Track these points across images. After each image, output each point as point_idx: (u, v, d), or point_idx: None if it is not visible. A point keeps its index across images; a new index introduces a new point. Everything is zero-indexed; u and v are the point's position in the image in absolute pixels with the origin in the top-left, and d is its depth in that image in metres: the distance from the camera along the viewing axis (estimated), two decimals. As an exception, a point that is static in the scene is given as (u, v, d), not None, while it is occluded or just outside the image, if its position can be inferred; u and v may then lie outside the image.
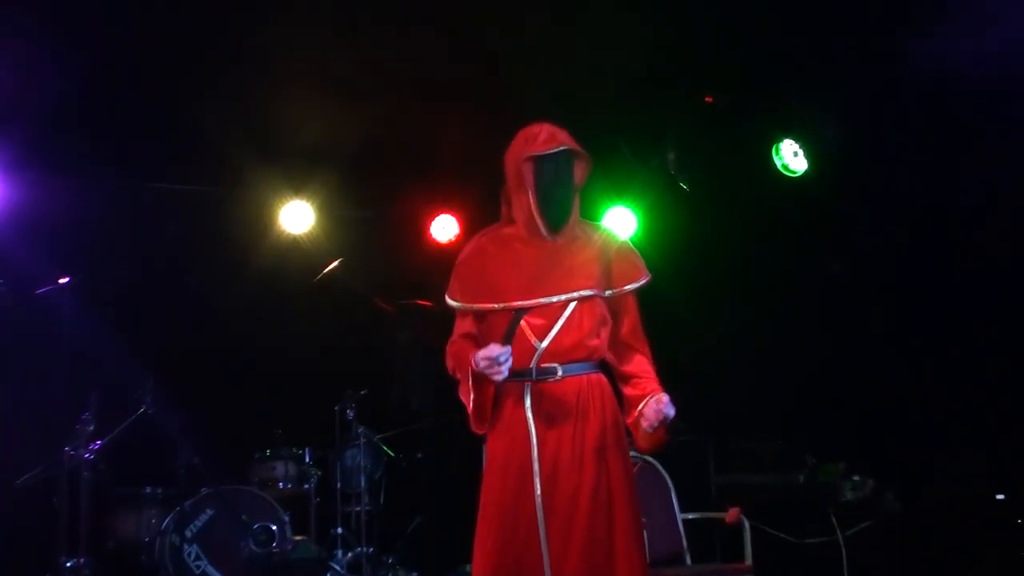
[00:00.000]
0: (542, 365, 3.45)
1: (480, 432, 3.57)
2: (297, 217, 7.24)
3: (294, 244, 7.28)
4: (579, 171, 3.61)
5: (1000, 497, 5.69)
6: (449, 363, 3.61)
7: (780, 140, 6.56)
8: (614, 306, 3.64)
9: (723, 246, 6.78)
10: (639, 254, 3.71)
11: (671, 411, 3.44)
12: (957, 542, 5.65)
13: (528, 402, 3.44)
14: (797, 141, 6.54)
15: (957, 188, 6.00)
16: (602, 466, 3.43)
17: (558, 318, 3.48)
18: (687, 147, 6.65)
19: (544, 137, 3.52)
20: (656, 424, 3.46)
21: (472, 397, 3.46)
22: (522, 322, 3.45)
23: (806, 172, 6.54)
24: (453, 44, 5.94)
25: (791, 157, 6.56)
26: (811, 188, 6.56)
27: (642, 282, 3.66)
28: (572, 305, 3.50)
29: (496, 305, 3.51)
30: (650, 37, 5.74)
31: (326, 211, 7.36)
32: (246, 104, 6.21)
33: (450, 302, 3.66)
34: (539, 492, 3.37)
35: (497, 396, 3.50)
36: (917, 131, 6.07)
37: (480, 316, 3.59)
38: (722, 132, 6.57)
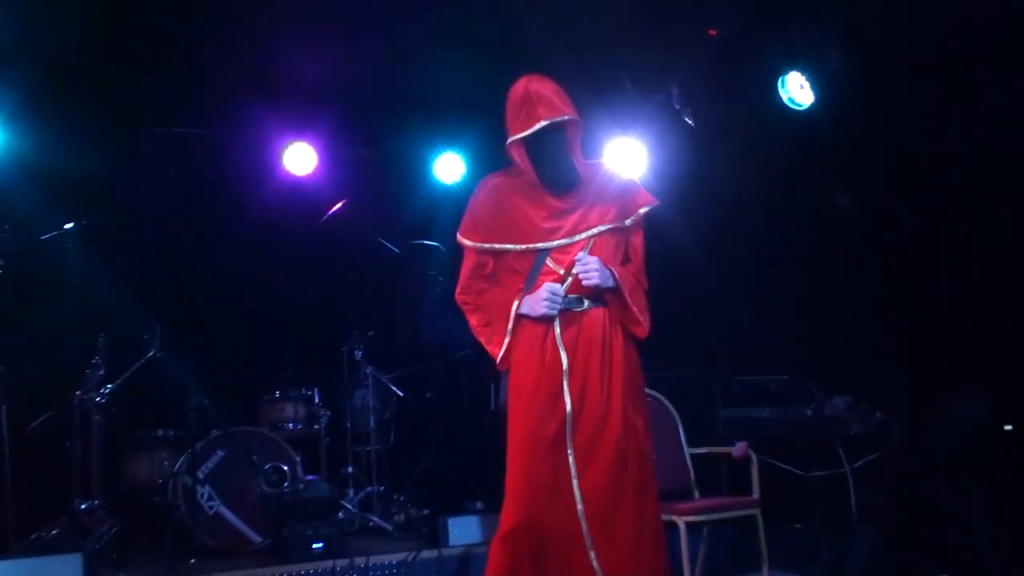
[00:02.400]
0: (569, 295, 3.66)
1: (499, 364, 3.76)
2: (300, 158, 7.21)
3: (297, 186, 7.25)
4: (571, 130, 3.71)
5: (1008, 428, 5.70)
6: (478, 314, 3.80)
7: (786, 73, 6.49)
8: (626, 241, 3.82)
9: (729, 180, 6.74)
10: (636, 181, 3.97)
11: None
12: (964, 474, 5.67)
13: (558, 331, 3.64)
14: (803, 74, 6.46)
15: (962, 122, 5.94)
16: (627, 396, 3.65)
17: (580, 253, 3.69)
18: (691, 81, 6.58)
19: (524, 115, 3.61)
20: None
21: (508, 338, 3.68)
22: (549, 261, 3.69)
23: (812, 105, 6.48)
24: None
25: (797, 90, 6.48)
26: (818, 121, 6.49)
27: (653, 205, 3.85)
28: (592, 242, 3.71)
29: (519, 246, 3.70)
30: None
31: (329, 152, 7.32)
32: (246, 45, 6.14)
33: (467, 242, 3.82)
34: (569, 413, 3.58)
35: (520, 329, 3.70)
36: (922, 63, 5.99)
37: (498, 256, 3.77)
38: (726, 66, 6.49)
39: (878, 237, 6.45)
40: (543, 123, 3.59)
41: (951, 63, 5.90)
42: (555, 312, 3.62)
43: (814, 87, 6.46)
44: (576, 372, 3.61)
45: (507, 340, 3.69)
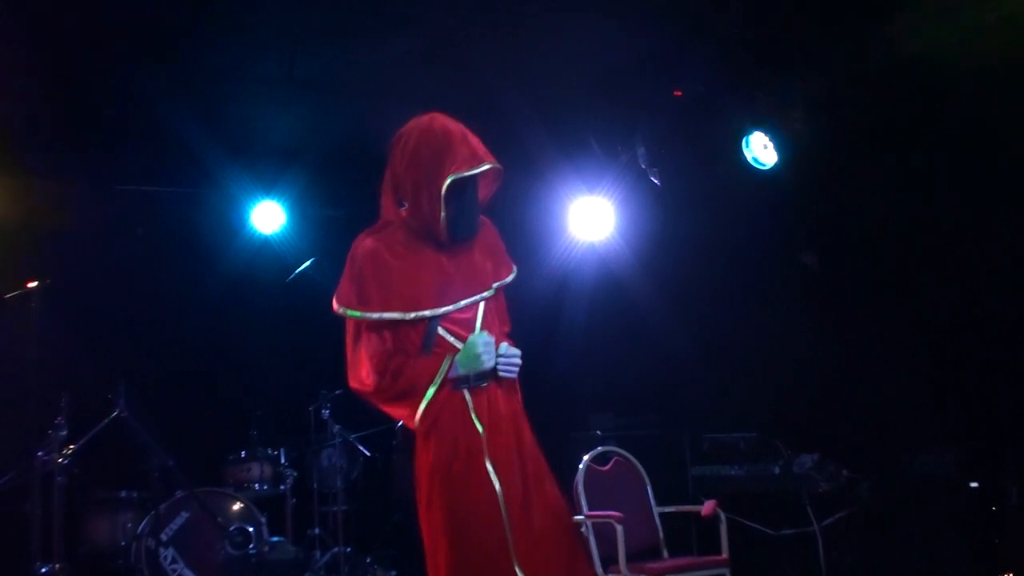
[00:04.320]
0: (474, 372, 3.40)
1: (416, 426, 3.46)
2: (268, 217, 7.21)
3: (265, 244, 7.24)
4: (484, 184, 3.49)
5: (974, 485, 5.74)
6: (396, 380, 3.38)
7: (750, 133, 6.58)
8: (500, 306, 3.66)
9: (694, 239, 6.80)
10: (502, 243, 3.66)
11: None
12: (932, 530, 5.69)
13: (472, 407, 3.39)
14: (767, 134, 6.56)
15: (925, 179, 6.05)
16: (539, 463, 3.49)
17: (475, 320, 3.47)
18: (657, 141, 6.66)
19: (466, 154, 3.33)
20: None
21: (427, 402, 3.36)
22: (441, 329, 3.41)
23: (776, 165, 6.57)
24: (422, 44, 5.92)
25: (761, 150, 6.57)
26: (782, 181, 6.58)
27: (512, 276, 3.62)
28: (482, 305, 3.49)
29: (408, 314, 3.36)
30: (617, 31, 5.75)
31: (297, 210, 7.33)
32: (216, 105, 6.17)
33: (353, 313, 3.41)
34: (499, 490, 3.34)
35: (434, 401, 3.40)
36: (885, 123, 6.11)
37: (390, 326, 3.41)
38: (692, 126, 6.59)
39: (843, 295, 6.51)
40: (487, 166, 3.34)
41: (911, 125, 6.01)
42: (494, 364, 3.37)
43: (778, 147, 6.56)
44: (495, 448, 3.39)
45: (424, 403, 3.35)
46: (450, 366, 3.37)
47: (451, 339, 3.42)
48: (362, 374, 3.43)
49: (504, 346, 3.45)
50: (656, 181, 6.69)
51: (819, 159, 6.43)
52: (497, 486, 3.35)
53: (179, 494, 6.01)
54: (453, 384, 3.38)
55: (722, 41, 5.97)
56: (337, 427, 6.81)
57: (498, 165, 3.39)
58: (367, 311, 3.38)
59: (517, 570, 3.30)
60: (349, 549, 6.62)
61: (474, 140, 3.39)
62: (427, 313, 3.38)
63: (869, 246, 6.45)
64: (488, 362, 3.37)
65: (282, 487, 6.75)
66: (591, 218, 6.88)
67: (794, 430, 6.27)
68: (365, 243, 3.47)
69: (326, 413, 6.80)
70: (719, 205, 6.79)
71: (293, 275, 6.55)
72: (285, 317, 7.27)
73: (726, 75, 6.26)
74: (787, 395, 6.50)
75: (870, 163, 6.29)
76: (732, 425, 6.48)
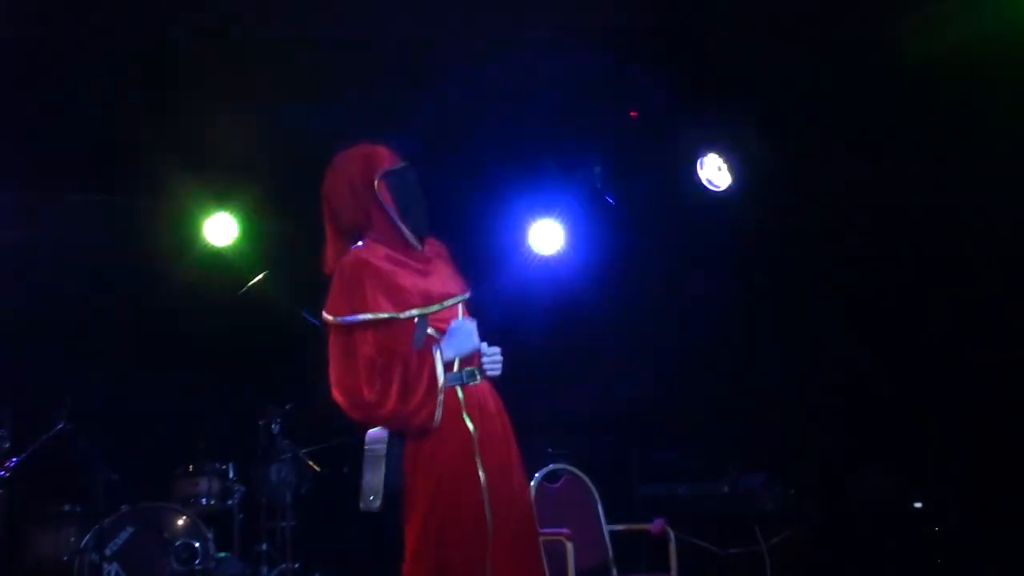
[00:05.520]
0: (465, 368, 3.52)
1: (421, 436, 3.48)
2: (221, 229, 7.16)
3: (218, 257, 7.19)
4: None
5: (917, 506, 5.82)
6: (388, 386, 3.40)
7: (704, 155, 6.66)
8: None
9: (648, 259, 6.85)
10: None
11: None
12: (876, 550, 5.76)
13: (464, 406, 3.48)
14: (721, 156, 6.64)
15: (877, 201, 6.15)
16: (520, 471, 3.59)
17: (484, 346, 3.58)
18: (613, 161, 6.72)
19: (384, 154, 3.55)
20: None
21: (433, 403, 3.40)
22: (431, 330, 3.50)
23: (730, 187, 6.65)
24: (376, 58, 5.93)
25: (715, 172, 6.65)
26: (735, 203, 6.66)
27: (468, 294, 3.71)
28: (460, 308, 3.62)
29: (403, 313, 3.46)
30: (575, 52, 5.79)
31: (251, 223, 7.29)
32: (169, 115, 6.12)
33: (354, 317, 3.44)
34: (486, 494, 3.42)
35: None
36: (838, 146, 6.20)
37: (381, 328, 3.47)
38: (647, 147, 6.65)
39: (794, 316, 6.59)
40: (406, 162, 3.56)
41: (864, 147, 6.11)
42: (479, 344, 3.52)
43: (731, 170, 6.64)
44: (486, 450, 3.47)
45: (440, 397, 3.39)
46: (439, 352, 3.45)
47: (437, 336, 3.52)
48: (354, 389, 3.45)
49: (485, 345, 3.56)
50: (611, 201, 6.74)
51: (772, 182, 6.52)
52: (484, 489, 3.42)
53: (124, 508, 5.92)
54: (447, 379, 3.45)
55: (677, 63, 6.03)
56: (287, 441, 6.75)
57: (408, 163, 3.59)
58: (364, 313, 3.44)
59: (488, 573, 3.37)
60: (297, 565, 6.56)
61: (378, 152, 3.58)
62: (415, 312, 3.48)
63: (819, 268, 6.54)
64: (477, 344, 3.51)
65: (230, 502, 6.68)
66: (546, 237, 6.90)
67: (743, 450, 6.33)
68: (351, 256, 3.55)
69: (276, 427, 6.74)
70: (673, 226, 6.86)
71: (245, 288, 6.50)
72: (236, 331, 7.21)
73: (681, 97, 6.33)
74: (737, 415, 6.56)
75: (823, 186, 6.38)
76: (682, 444, 6.53)
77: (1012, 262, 5.86)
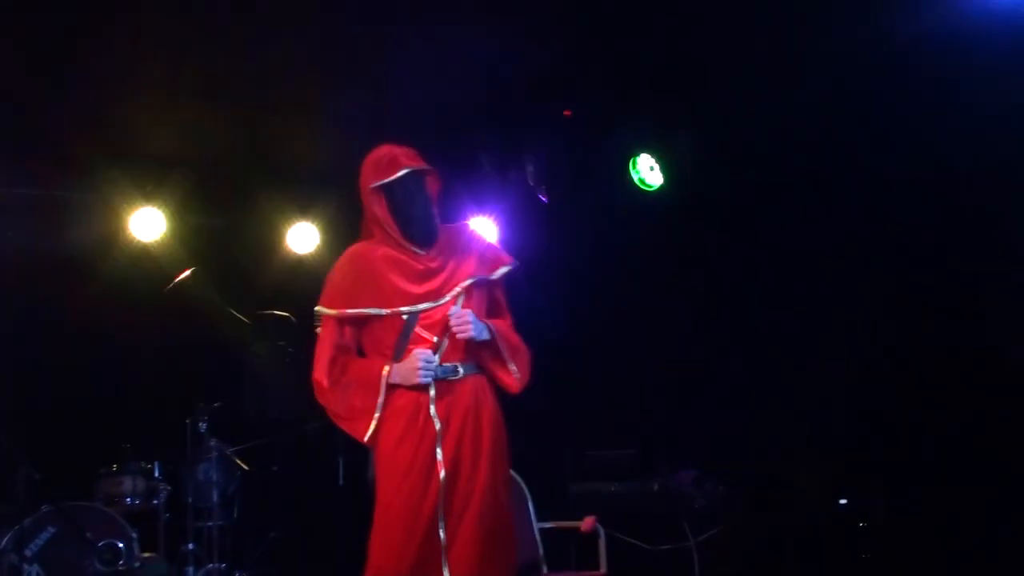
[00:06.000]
0: (444, 363, 3.58)
1: (367, 440, 3.61)
2: (148, 224, 7.04)
3: (144, 252, 7.07)
4: (431, 186, 3.72)
5: (843, 502, 5.91)
6: (338, 395, 3.59)
7: (637, 155, 6.70)
8: (492, 297, 3.80)
9: (581, 257, 6.88)
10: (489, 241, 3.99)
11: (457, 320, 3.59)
12: (803, 545, 5.84)
13: (433, 401, 3.55)
14: (653, 156, 6.69)
15: (807, 200, 6.24)
16: (495, 466, 3.61)
17: (444, 321, 3.61)
18: (546, 159, 6.73)
19: (386, 163, 3.62)
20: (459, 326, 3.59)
21: (379, 412, 3.55)
22: (416, 327, 3.59)
23: (662, 186, 6.70)
24: (311, 54, 5.88)
25: (647, 171, 6.70)
26: (667, 202, 6.71)
27: (512, 265, 3.83)
28: (460, 299, 3.66)
29: (383, 310, 3.60)
30: (508, 50, 5.79)
31: (178, 218, 7.18)
32: (94, 107, 6.01)
33: (328, 311, 3.66)
34: (443, 487, 3.49)
35: (390, 400, 3.58)
36: (769, 147, 6.28)
37: (359, 324, 3.64)
38: (580, 146, 6.68)
39: (724, 314, 6.66)
40: (405, 170, 3.59)
41: (794, 148, 6.20)
42: (430, 380, 3.53)
43: (664, 169, 6.69)
44: (449, 444, 3.53)
45: (377, 415, 3.55)
46: (388, 373, 3.56)
47: (426, 334, 3.62)
48: (315, 371, 3.65)
49: (454, 308, 3.60)
50: (544, 199, 6.75)
51: (704, 181, 6.58)
52: (442, 485, 3.49)
53: (45, 508, 5.80)
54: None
55: (611, 63, 6.06)
56: (214, 440, 6.66)
57: (416, 166, 3.63)
58: (337, 308, 3.64)
59: (444, 568, 3.43)
60: (224, 565, 6.48)
61: (401, 151, 3.65)
62: (404, 309, 3.60)
63: (750, 266, 6.62)
64: (422, 379, 3.52)
65: (155, 501, 6.57)
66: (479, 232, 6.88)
67: (674, 447, 6.38)
68: (349, 250, 3.74)
69: (203, 426, 6.64)
70: (606, 224, 6.89)
71: (172, 284, 6.40)
72: (163, 328, 7.10)
73: (615, 97, 6.36)
74: (667, 413, 6.61)
75: (753, 186, 6.46)
76: (613, 442, 6.56)
77: (943, 256, 5.99)
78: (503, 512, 3.62)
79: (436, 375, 3.56)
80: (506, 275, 3.84)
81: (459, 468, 3.53)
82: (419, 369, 3.52)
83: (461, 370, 3.62)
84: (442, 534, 3.46)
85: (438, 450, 3.51)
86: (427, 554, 3.45)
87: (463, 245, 3.78)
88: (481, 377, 3.69)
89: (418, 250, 3.66)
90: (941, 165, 5.84)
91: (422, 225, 3.66)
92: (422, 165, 3.65)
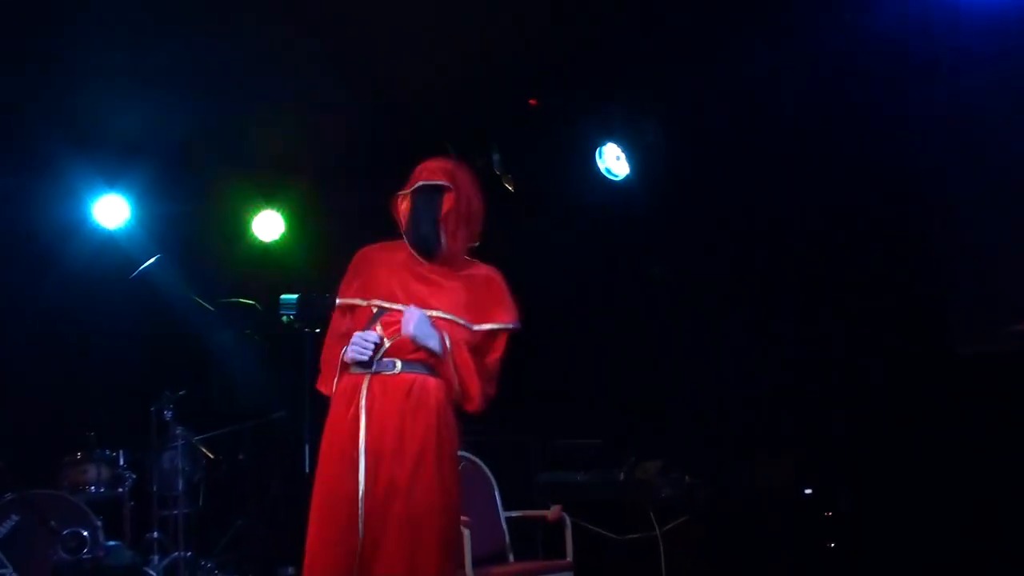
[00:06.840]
0: (383, 359, 3.62)
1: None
2: (112, 211, 6.99)
3: (109, 239, 7.02)
4: (447, 203, 3.74)
5: (808, 491, 5.95)
6: (324, 364, 3.78)
7: (603, 144, 6.71)
8: (478, 340, 3.77)
9: (546, 246, 6.88)
10: (511, 298, 3.90)
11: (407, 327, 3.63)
12: (768, 535, 5.88)
13: (364, 392, 3.60)
14: (620, 145, 6.69)
15: (775, 191, 6.26)
16: (423, 466, 3.55)
17: (397, 323, 3.65)
18: (512, 148, 6.72)
19: (414, 174, 3.78)
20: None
21: (335, 382, 3.70)
22: (378, 322, 3.66)
23: (628, 176, 6.71)
24: (274, 39, 5.84)
25: (614, 161, 6.71)
26: (633, 192, 6.72)
27: (501, 325, 3.83)
28: (414, 316, 3.63)
29: (361, 301, 3.74)
30: (474, 38, 5.78)
31: (143, 205, 7.13)
32: (58, 93, 5.95)
33: (337, 300, 3.84)
34: (362, 478, 3.51)
35: (339, 385, 3.70)
36: (736, 136, 6.30)
37: (351, 314, 3.77)
38: (546, 135, 6.67)
39: (690, 305, 6.68)
40: (419, 184, 3.74)
41: (762, 138, 6.22)
42: (364, 358, 3.58)
43: (630, 159, 6.70)
44: (371, 436, 3.53)
45: (334, 391, 3.68)
46: (344, 351, 3.66)
47: (380, 330, 3.67)
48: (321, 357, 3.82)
49: (412, 307, 3.64)
50: (510, 188, 6.74)
51: (670, 171, 6.59)
52: (361, 475, 3.51)
53: (8, 496, 5.77)
54: (352, 366, 3.65)
55: (577, 52, 6.05)
56: (180, 428, 6.63)
57: (429, 181, 3.74)
58: (340, 296, 3.80)
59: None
60: (189, 553, 6.47)
61: (431, 164, 3.79)
62: (377, 302, 3.69)
63: (716, 257, 6.64)
64: (351, 353, 3.61)
65: (120, 489, 6.54)
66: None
67: (640, 437, 6.40)
68: (369, 245, 3.88)
69: (168, 414, 6.61)
70: (572, 213, 6.90)
71: (137, 272, 6.36)
72: (128, 315, 7.05)
73: (581, 86, 6.36)
74: (633, 403, 6.64)
75: (720, 176, 6.48)
76: (580, 431, 6.57)
77: (905, 247, 6.04)
78: (438, 518, 3.53)
79: (374, 367, 3.60)
80: (496, 331, 3.82)
81: (380, 464, 3.51)
82: (353, 345, 3.60)
83: (399, 365, 3.61)
84: (360, 529, 3.46)
85: (361, 443, 3.53)
86: (343, 551, 3.45)
87: (476, 284, 3.81)
88: (429, 379, 3.63)
89: (423, 259, 3.76)
90: (915, 152, 5.91)
91: (420, 238, 3.73)
92: (432, 180, 3.74)
